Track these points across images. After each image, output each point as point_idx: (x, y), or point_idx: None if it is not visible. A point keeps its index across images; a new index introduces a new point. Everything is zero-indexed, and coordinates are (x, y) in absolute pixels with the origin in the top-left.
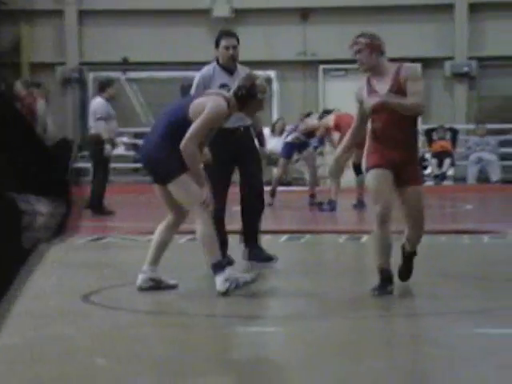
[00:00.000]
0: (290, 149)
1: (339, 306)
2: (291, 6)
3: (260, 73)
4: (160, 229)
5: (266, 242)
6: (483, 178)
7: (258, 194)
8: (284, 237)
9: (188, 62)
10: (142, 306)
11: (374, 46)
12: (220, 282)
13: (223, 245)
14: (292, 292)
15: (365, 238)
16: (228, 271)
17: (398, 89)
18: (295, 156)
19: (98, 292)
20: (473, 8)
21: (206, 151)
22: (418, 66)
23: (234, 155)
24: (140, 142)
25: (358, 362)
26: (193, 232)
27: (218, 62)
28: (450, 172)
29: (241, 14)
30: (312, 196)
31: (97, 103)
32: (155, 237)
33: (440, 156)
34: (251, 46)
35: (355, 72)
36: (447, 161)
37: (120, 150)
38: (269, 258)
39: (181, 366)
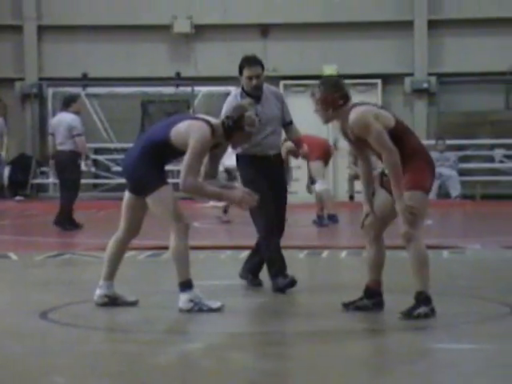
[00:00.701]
0: None
1: (301, 320)
2: (251, 22)
3: (221, 88)
4: (111, 244)
5: (227, 257)
6: (443, 193)
7: (279, 228)
8: (246, 252)
9: (148, 77)
10: (100, 323)
11: (329, 102)
12: (184, 300)
13: (282, 262)
14: (253, 308)
15: (325, 253)
16: (194, 292)
17: (352, 134)
18: None
19: (56, 309)
20: (432, 25)
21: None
22: (365, 111)
23: (265, 179)
24: (100, 157)
25: (316, 376)
26: (153, 248)
27: (243, 89)
28: None
29: (201, 30)
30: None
31: (72, 119)
32: (107, 252)
33: None
34: (212, 61)
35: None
36: None
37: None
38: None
39: (137, 383)
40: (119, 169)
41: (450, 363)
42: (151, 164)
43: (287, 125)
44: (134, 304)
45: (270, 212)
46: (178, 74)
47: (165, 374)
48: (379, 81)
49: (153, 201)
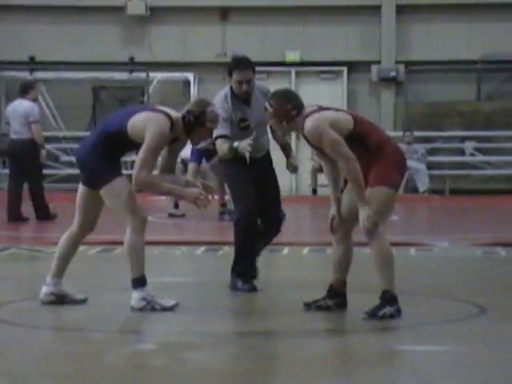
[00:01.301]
0: (200, 155)
1: (256, 321)
2: (210, 5)
3: (178, 74)
4: (63, 239)
5: (182, 254)
6: (410, 187)
7: (275, 220)
8: (202, 248)
9: (100, 62)
10: (46, 322)
11: (282, 115)
12: (136, 298)
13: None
14: (208, 307)
15: (286, 249)
16: (147, 290)
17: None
18: (204, 164)
19: (0, 306)
20: (400, 10)
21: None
22: (319, 119)
23: (253, 180)
24: (48, 147)
25: (272, 378)
26: (105, 243)
27: (231, 90)
28: None
29: (157, 13)
30: (223, 205)
31: (30, 107)
32: (58, 248)
33: None
34: (167, 46)
35: (277, 74)
36: None
37: None
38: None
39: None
40: (68, 159)
41: (413, 366)
42: (105, 155)
43: None
44: (82, 302)
45: (249, 202)
46: (131, 58)
47: (113, 374)
48: (345, 68)
49: (107, 194)
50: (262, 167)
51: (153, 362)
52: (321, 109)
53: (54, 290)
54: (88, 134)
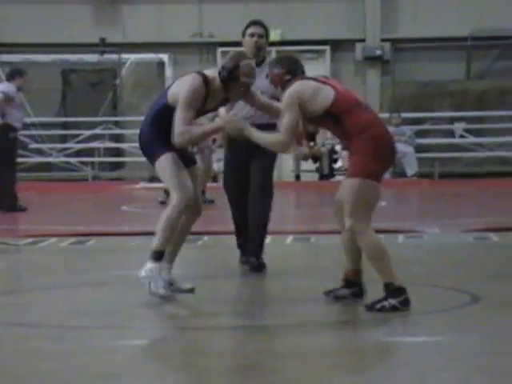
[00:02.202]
0: None
1: (243, 315)
2: None
3: (152, 56)
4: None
5: None
6: (398, 171)
7: (260, 186)
8: None
9: (70, 43)
10: (16, 318)
11: (276, 80)
12: (146, 269)
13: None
14: (188, 301)
15: (269, 238)
16: (157, 269)
17: None
18: (190, 148)
19: None
20: None
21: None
22: (295, 90)
23: (250, 154)
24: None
25: (260, 372)
26: (77, 235)
27: None
28: None
29: None
30: (202, 192)
31: (4, 86)
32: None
33: None
34: (142, 26)
35: None
36: None
37: None
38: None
39: (59, 382)
40: (38, 146)
41: (405, 357)
42: (156, 132)
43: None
44: (190, 291)
45: (237, 187)
46: (102, 39)
47: (90, 371)
48: (328, 47)
49: (157, 169)
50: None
51: (132, 358)
52: (310, 78)
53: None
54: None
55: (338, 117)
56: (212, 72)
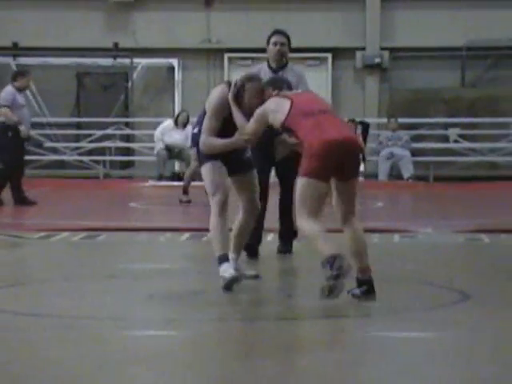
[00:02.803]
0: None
1: (241, 307)
2: None
3: (162, 60)
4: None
5: (167, 240)
6: (395, 174)
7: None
8: (186, 235)
9: (84, 48)
10: (26, 308)
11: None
12: (220, 275)
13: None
14: (191, 294)
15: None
16: (225, 267)
17: None
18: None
19: None
20: None
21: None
22: (264, 106)
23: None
24: (32, 132)
25: (253, 363)
26: (88, 229)
27: (268, 63)
28: (361, 168)
29: None
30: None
31: (4, 91)
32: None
33: None
34: (152, 32)
35: (262, 61)
36: None
37: None
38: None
39: (67, 370)
40: (52, 145)
41: (395, 352)
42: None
43: None
44: (256, 278)
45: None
46: (115, 44)
47: (98, 361)
48: (329, 55)
49: (202, 174)
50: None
51: (136, 347)
52: (279, 96)
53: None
54: None
55: (291, 130)
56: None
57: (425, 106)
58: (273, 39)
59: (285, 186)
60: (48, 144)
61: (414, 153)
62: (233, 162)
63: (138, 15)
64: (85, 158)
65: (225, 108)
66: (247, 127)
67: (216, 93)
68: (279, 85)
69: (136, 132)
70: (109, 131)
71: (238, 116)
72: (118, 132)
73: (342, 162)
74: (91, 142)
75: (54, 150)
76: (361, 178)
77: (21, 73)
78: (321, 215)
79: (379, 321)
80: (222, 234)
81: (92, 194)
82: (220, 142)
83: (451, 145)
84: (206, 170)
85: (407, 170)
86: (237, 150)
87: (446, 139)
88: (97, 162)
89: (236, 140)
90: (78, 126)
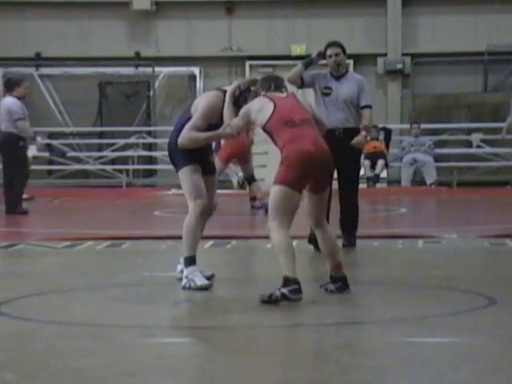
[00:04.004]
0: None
1: (266, 314)
2: None
3: (184, 69)
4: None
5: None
6: (418, 180)
7: (352, 190)
8: (210, 242)
9: (106, 57)
10: (52, 317)
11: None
12: (184, 277)
13: None
14: (214, 299)
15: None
16: (194, 270)
17: None
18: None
19: (8, 302)
20: (406, 2)
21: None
22: (248, 106)
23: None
24: (55, 142)
25: (283, 372)
26: (112, 238)
27: (330, 72)
28: (384, 174)
29: (162, 7)
30: (252, 199)
31: (13, 104)
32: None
33: (373, 157)
34: (173, 41)
35: (284, 68)
36: (380, 162)
37: (33, 151)
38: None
39: (93, 378)
40: (75, 154)
41: (422, 358)
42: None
43: (361, 108)
44: (210, 278)
45: None
46: (137, 53)
47: (122, 368)
48: (351, 61)
49: (179, 178)
50: (339, 143)
51: (160, 356)
52: (264, 96)
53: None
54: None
55: (270, 135)
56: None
57: (447, 112)
58: (328, 52)
59: (345, 179)
60: (71, 153)
61: (437, 158)
62: (204, 163)
63: (160, 24)
64: (107, 167)
65: (214, 114)
66: (232, 123)
67: (209, 97)
68: (267, 84)
69: (158, 141)
70: (131, 140)
71: (228, 110)
72: (141, 141)
73: (315, 174)
74: (114, 151)
75: (77, 160)
76: (383, 185)
77: (16, 82)
78: (290, 225)
79: (405, 326)
80: (195, 237)
81: (115, 202)
82: (203, 135)
83: (474, 150)
84: (184, 173)
85: (430, 176)
86: (207, 152)
87: (468, 144)
88: (119, 170)
89: (221, 133)
90: (101, 135)
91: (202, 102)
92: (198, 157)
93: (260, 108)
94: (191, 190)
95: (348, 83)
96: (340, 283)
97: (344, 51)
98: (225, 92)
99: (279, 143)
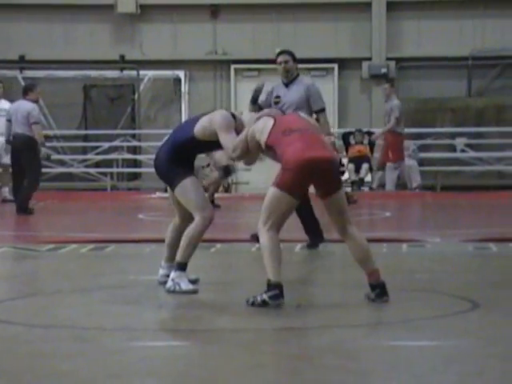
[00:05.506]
0: None
1: (251, 317)
2: (200, 3)
3: (169, 72)
4: (169, 229)
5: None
6: (402, 184)
7: None
8: None
9: (90, 60)
10: (37, 320)
11: None
12: (171, 279)
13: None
14: (199, 302)
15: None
16: (179, 274)
17: None
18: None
19: None
20: (391, 7)
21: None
22: (254, 126)
23: None
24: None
25: (267, 375)
26: (96, 241)
27: (281, 79)
28: (368, 178)
29: (147, 11)
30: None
31: (32, 108)
32: (167, 237)
33: (357, 161)
34: (158, 44)
35: (269, 72)
36: (365, 166)
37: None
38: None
39: (78, 381)
40: (60, 157)
41: (406, 360)
42: (177, 161)
43: (315, 113)
44: (195, 282)
45: None
46: (122, 56)
47: (107, 371)
48: (336, 65)
49: (179, 193)
50: None
51: (146, 359)
52: (267, 115)
53: (168, 273)
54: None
55: (272, 148)
56: (237, 113)
57: (431, 116)
58: (278, 60)
59: None
60: (55, 156)
61: (421, 162)
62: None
63: (145, 27)
64: (92, 170)
65: (232, 123)
66: (236, 144)
67: (219, 115)
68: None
69: (143, 144)
70: (116, 143)
71: (241, 141)
72: (125, 144)
73: (318, 180)
74: (98, 154)
75: (62, 163)
76: (366, 188)
77: (30, 87)
78: (281, 227)
79: (390, 330)
80: (195, 248)
81: (99, 205)
82: (237, 139)
83: (458, 154)
84: (186, 186)
85: (414, 180)
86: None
87: (453, 149)
88: (104, 173)
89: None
90: (85, 138)
91: (216, 120)
92: (191, 167)
93: (262, 127)
94: (198, 202)
95: (296, 88)
96: (378, 290)
97: (294, 58)
98: (233, 115)
99: (279, 152)
